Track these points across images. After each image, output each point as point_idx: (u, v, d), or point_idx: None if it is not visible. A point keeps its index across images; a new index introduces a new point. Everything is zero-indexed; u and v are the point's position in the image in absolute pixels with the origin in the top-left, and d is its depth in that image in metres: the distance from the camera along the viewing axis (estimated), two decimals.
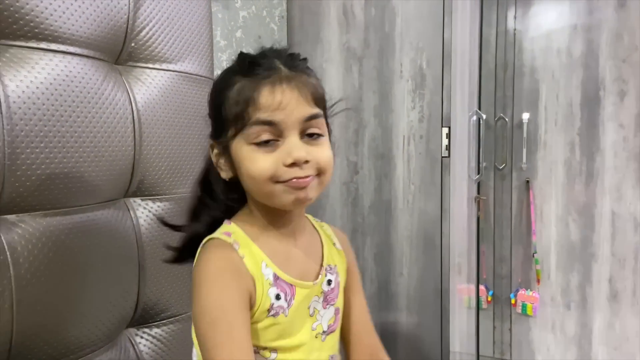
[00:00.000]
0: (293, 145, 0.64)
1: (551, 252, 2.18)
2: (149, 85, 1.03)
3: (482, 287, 2.24)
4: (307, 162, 0.64)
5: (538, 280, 2.21)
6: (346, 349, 0.81)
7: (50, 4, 0.83)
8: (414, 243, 1.64)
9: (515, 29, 2.21)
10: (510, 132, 2.24)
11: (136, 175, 1.01)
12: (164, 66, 1.06)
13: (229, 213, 0.74)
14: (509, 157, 2.25)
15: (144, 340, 1.06)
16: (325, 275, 0.75)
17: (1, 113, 0.75)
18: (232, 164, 0.69)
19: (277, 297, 0.67)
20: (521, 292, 2.24)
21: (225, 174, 0.71)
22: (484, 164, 2.21)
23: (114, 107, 0.94)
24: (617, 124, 2.02)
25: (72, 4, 0.86)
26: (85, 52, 0.89)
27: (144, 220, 1.03)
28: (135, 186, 1.03)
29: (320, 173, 0.67)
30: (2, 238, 0.77)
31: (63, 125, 0.84)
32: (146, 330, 1.07)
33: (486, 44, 2.22)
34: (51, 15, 0.83)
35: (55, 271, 0.83)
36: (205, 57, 1.17)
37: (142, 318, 1.06)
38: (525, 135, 2.19)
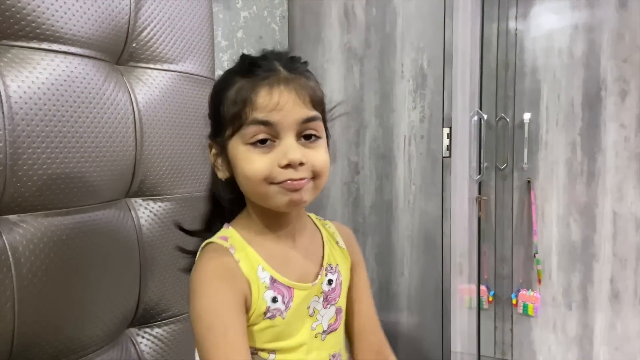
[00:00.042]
0: (288, 147, 0.64)
1: (552, 252, 2.18)
2: (150, 85, 1.03)
3: (483, 287, 2.23)
4: (302, 164, 0.64)
5: (539, 281, 2.20)
6: (352, 345, 0.81)
7: (52, 4, 0.83)
8: (415, 243, 1.64)
9: (516, 29, 2.21)
10: (511, 132, 2.23)
11: (137, 175, 1.01)
12: (165, 66, 1.06)
13: (230, 216, 0.74)
14: (510, 157, 2.24)
15: (145, 340, 1.06)
16: (326, 275, 0.74)
17: (3, 113, 0.76)
18: (229, 164, 0.69)
19: (274, 300, 0.67)
20: (522, 292, 2.24)
21: (222, 174, 0.71)
22: (485, 164, 2.21)
23: (115, 107, 0.94)
24: (619, 124, 2.02)
25: (73, 5, 0.86)
26: (86, 52, 0.90)
27: (145, 221, 1.04)
28: (137, 186, 1.03)
29: (315, 176, 0.66)
30: (4, 238, 0.77)
31: (64, 126, 0.85)
32: (147, 330, 1.07)
33: (487, 44, 2.21)
34: (52, 15, 0.83)
35: (57, 271, 0.84)
36: (206, 58, 1.17)
37: (144, 318, 1.06)
38: (526, 135, 2.18)
